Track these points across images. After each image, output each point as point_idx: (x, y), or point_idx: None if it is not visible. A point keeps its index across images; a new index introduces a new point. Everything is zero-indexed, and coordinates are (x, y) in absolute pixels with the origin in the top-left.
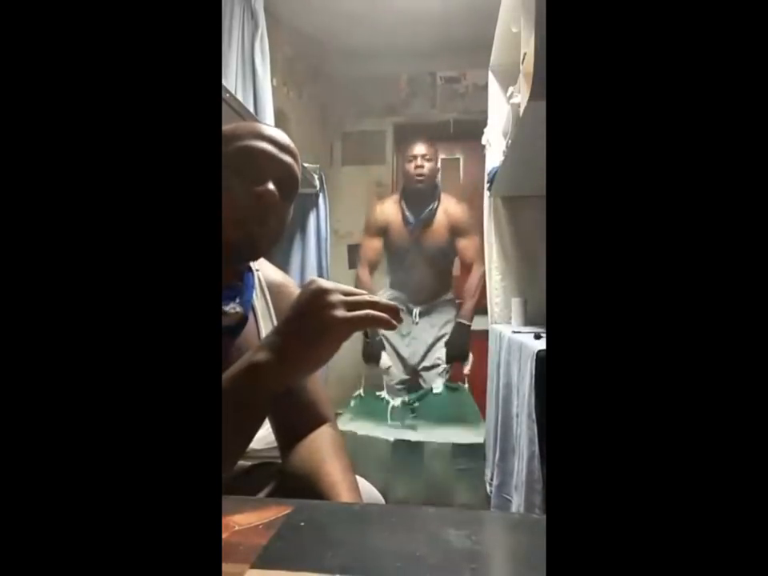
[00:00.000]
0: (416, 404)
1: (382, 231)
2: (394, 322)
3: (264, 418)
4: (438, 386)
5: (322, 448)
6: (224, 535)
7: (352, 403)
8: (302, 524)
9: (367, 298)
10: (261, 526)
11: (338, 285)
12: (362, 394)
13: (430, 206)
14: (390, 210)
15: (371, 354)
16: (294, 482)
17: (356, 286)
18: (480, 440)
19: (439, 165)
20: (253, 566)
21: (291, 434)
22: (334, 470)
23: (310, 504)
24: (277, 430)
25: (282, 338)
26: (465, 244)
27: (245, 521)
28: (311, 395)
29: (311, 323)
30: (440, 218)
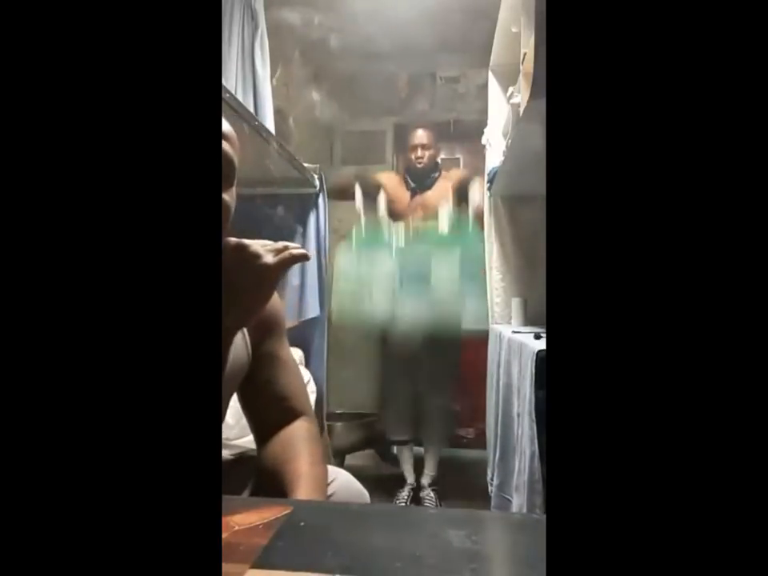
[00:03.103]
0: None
1: (375, 189)
2: (309, 254)
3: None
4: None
5: (292, 443)
6: (224, 535)
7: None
8: (302, 524)
9: (279, 244)
10: (261, 526)
11: (247, 240)
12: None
13: (432, 176)
14: (387, 175)
15: None
16: (265, 478)
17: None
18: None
19: (440, 150)
20: (253, 566)
21: (265, 427)
22: (300, 465)
23: (310, 504)
24: (251, 423)
25: (227, 298)
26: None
27: (245, 521)
28: (284, 389)
29: (245, 275)
30: (443, 183)
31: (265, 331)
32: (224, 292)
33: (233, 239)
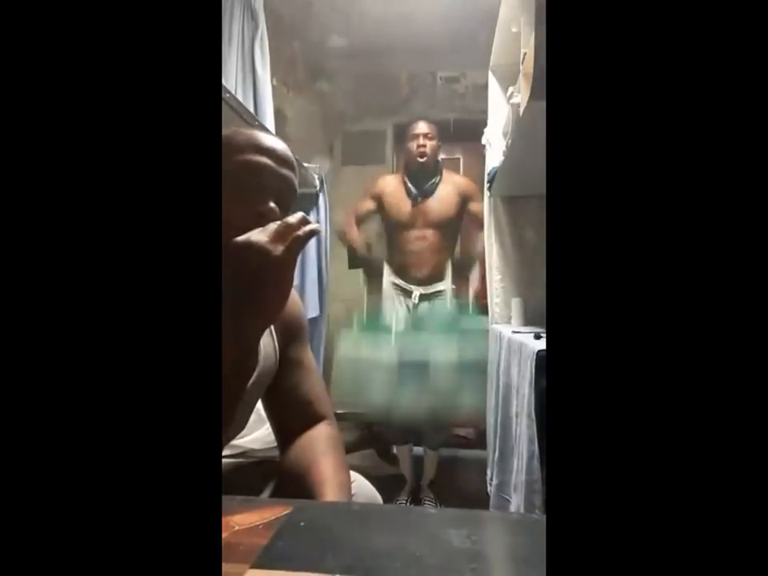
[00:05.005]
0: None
1: (377, 198)
2: (317, 227)
3: (251, 374)
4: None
5: (315, 447)
6: (224, 535)
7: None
8: (302, 524)
9: (281, 226)
10: (261, 526)
11: (251, 233)
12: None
13: (433, 180)
14: (390, 181)
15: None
16: (288, 480)
17: (342, 239)
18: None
19: (440, 147)
20: (253, 566)
21: (288, 431)
22: (324, 469)
23: (310, 504)
24: (273, 427)
25: (247, 299)
26: (477, 207)
27: (245, 521)
28: (308, 393)
29: (258, 274)
30: (445, 189)
31: (290, 337)
32: (242, 294)
33: (239, 238)
